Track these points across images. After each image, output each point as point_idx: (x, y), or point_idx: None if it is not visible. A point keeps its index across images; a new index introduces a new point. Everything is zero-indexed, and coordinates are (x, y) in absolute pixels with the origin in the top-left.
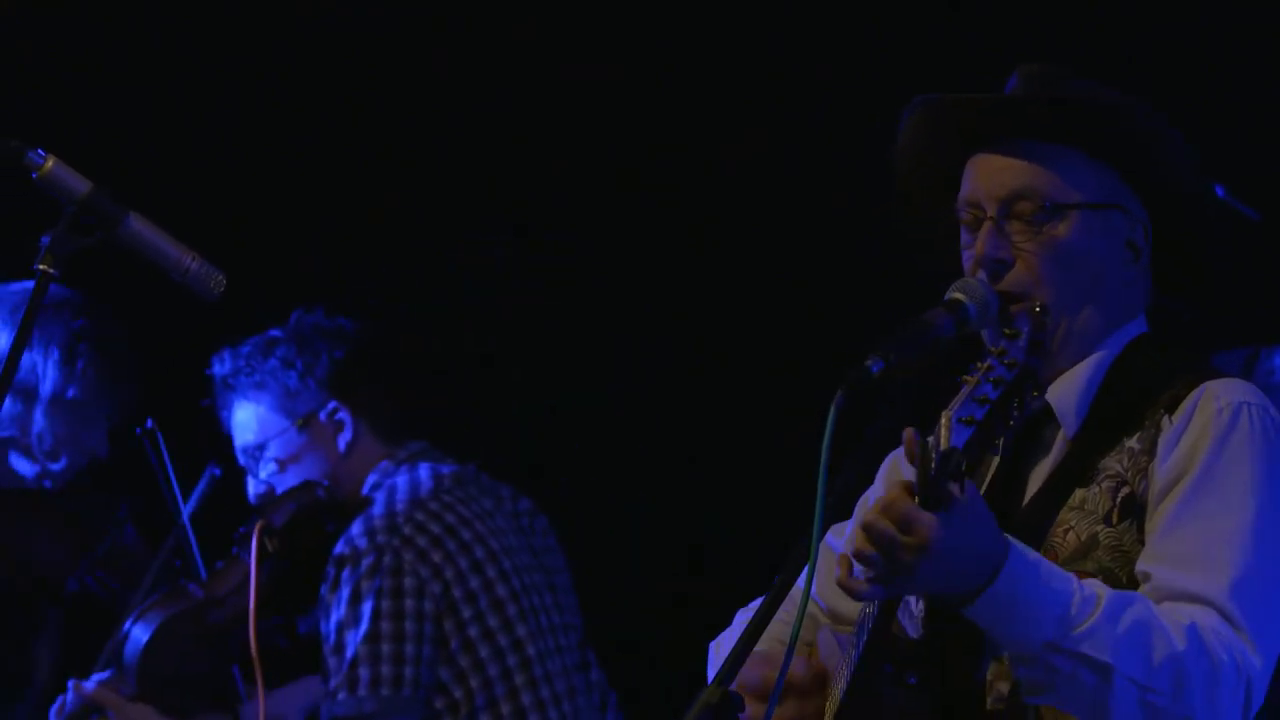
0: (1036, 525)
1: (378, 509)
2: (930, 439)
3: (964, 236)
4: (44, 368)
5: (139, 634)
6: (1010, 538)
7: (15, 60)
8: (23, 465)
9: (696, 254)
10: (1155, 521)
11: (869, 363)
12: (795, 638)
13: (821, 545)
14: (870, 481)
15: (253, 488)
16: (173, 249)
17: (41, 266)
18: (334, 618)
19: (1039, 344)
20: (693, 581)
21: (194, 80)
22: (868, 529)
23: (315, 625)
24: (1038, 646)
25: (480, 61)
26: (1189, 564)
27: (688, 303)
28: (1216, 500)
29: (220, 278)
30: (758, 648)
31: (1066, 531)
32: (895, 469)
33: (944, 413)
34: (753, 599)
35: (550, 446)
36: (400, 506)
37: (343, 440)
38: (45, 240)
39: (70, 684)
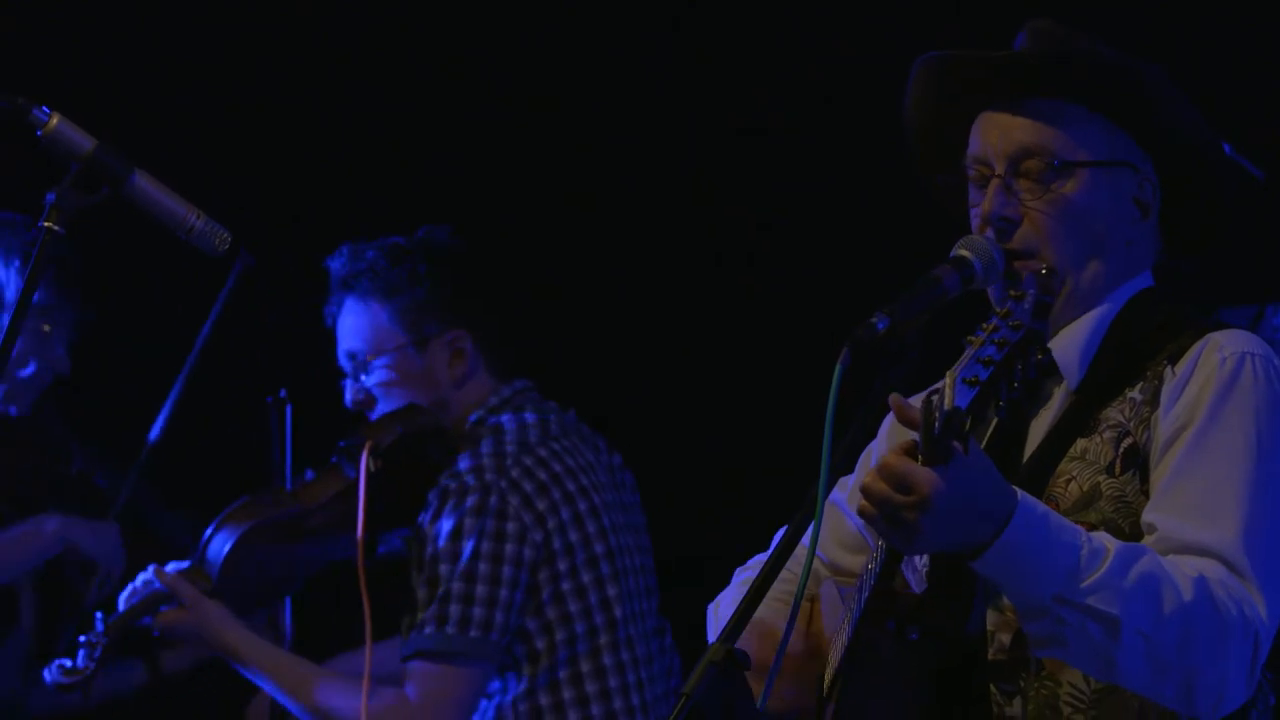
0: (1039, 476)
1: (486, 447)
2: (934, 399)
3: (972, 194)
4: (5, 276)
5: (227, 534)
6: (1019, 490)
7: (21, 17)
8: None
9: (711, 214)
10: (1160, 472)
11: (874, 320)
12: (799, 600)
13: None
14: (874, 437)
15: (351, 393)
16: (178, 206)
17: (47, 223)
18: (430, 550)
19: (1045, 306)
20: (697, 539)
21: (214, 36)
22: (866, 491)
23: (392, 550)
24: (1046, 599)
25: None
26: (1195, 515)
27: (702, 262)
28: (1221, 450)
29: (225, 235)
30: (758, 611)
31: (1068, 482)
32: (897, 425)
33: (948, 373)
34: (753, 556)
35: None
36: (509, 448)
37: (458, 369)
38: (50, 197)
39: (151, 569)
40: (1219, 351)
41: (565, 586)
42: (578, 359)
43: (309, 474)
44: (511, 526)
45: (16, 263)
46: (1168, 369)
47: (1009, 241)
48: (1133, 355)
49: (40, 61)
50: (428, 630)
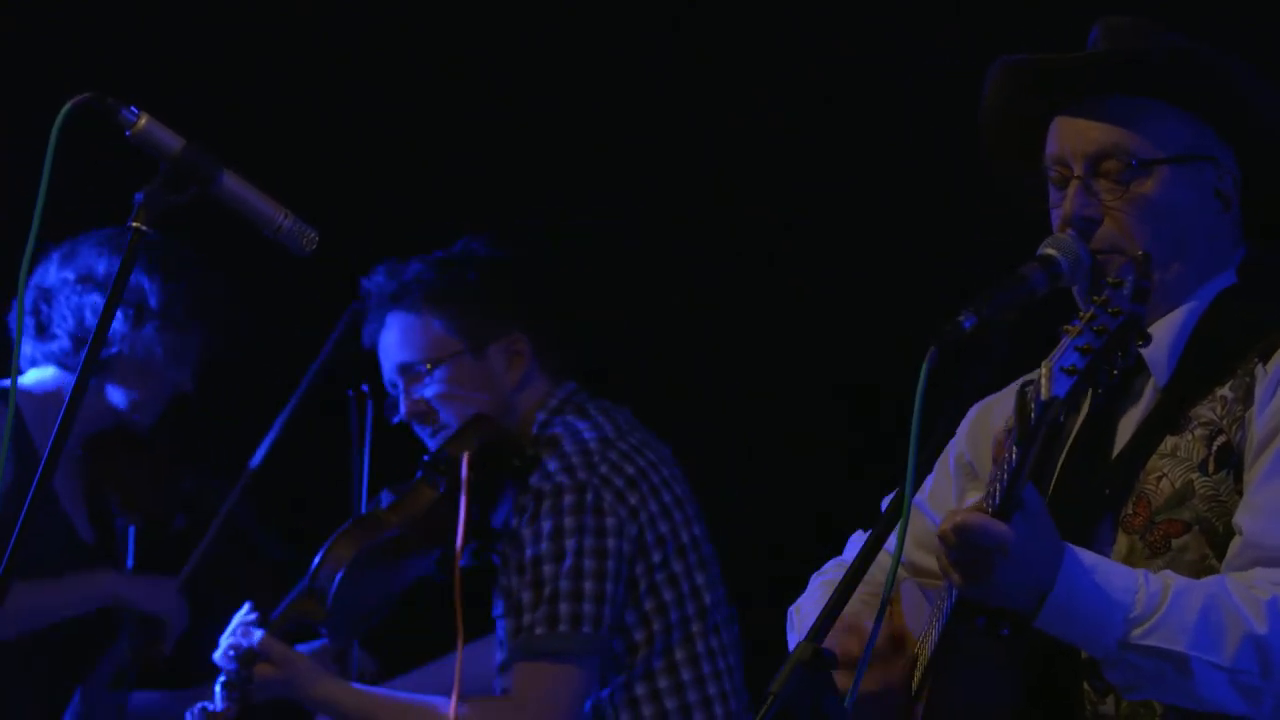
0: (1129, 472)
1: (569, 446)
2: (1029, 389)
3: (1052, 195)
4: (150, 284)
5: (337, 561)
6: (1068, 545)
7: (111, 18)
8: (117, 395)
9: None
10: (1252, 473)
11: (961, 318)
12: (886, 600)
13: None
14: (953, 436)
15: (408, 405)
16: (266, 206)
17: (135, 223)
18: (531, 551)
19: (1144, 291)
20: (783, 538)
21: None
22: (944, 539)
23: (475, 558)
24: (1114, 648)
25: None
26: None
27: (773, 257)
28: None
29: (312, 235)
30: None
31: (1160, 478)
32: (980, 420)
33: (1044, 362)
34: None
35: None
36: (592, 445)
37: (517, 373)
38: (139, 197)
39: (239, 626)
40: None
41: (659, 577)
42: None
43: (386, 496)
44: (610, 522)
45: (160, 277)
46: (1259, 367)
47: (1092, 242)
48: (1222, 353)
49: (130, 60)
50: (539, 631)
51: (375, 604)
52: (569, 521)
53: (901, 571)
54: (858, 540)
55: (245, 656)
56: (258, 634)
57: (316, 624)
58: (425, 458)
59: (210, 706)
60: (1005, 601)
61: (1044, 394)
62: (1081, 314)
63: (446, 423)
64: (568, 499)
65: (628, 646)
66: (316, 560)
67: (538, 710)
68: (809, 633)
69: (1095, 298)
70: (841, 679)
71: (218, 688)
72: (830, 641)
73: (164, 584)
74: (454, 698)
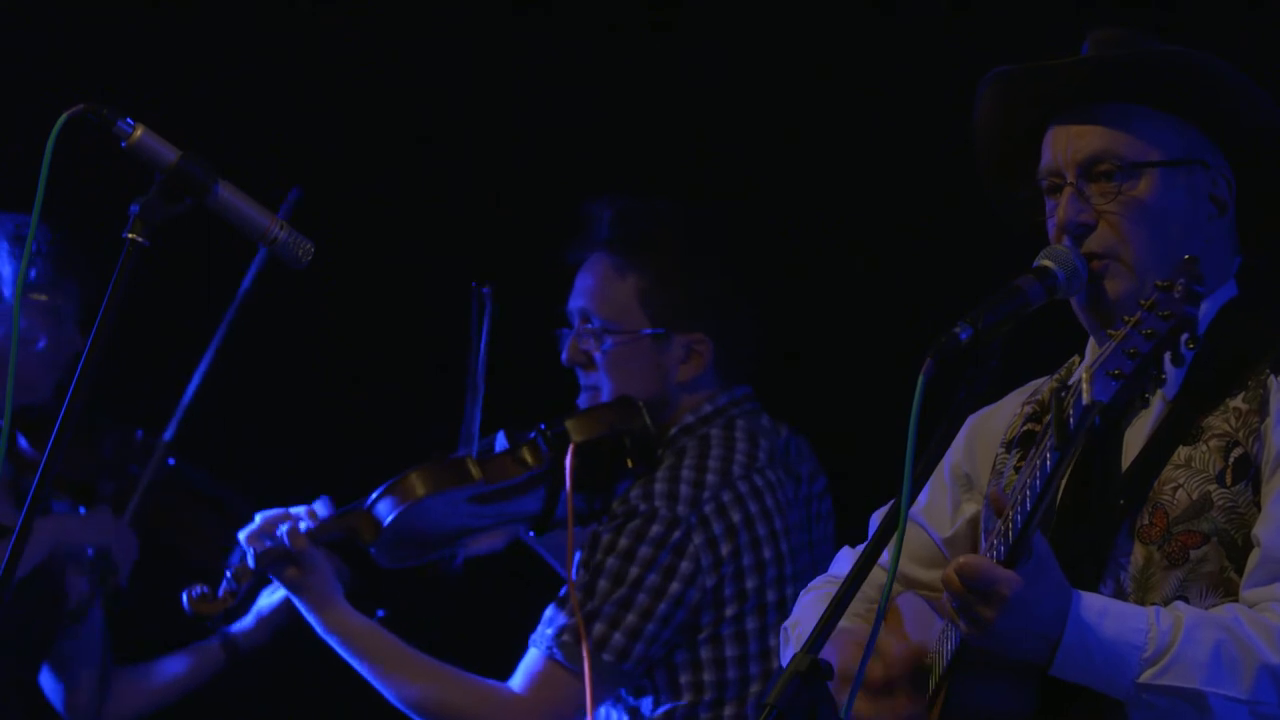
0: (1142, 483)
1: (687, 472)
2: (1064, 394)
3: (1047, 205)
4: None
5: (404, 494)
6: (1075, 591)
7: (105, 28)
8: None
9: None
10: (1271, 485)
11: (958, 330)
12: (882, 612)
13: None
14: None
15: (570, 351)
16: (261, 217)
17: (131, 235)
18: (598, 559)
19: (1195, 294)
20: None
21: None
22: (947, 584)
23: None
24: (1131, 688)
25: None
26: None
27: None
28: None
29: (309, 246)
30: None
31: (1175, 489)
32: (977, 430)
33: (1084, 368)
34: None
35: None
36: (710, 477)
37: (689, 371)
38: (135, 208)
39: (285, 525)
40: None
41: (726, 631)
42: None
43: (501, 439)
44: (686, 566)
45: (5, 245)
46: (1272, 379)
47: (1086, 245)
48: (1231, 365)
49: (125, 72)
50: (565, 638)
51: (434, 540)
52: (644, 551)
53: (897, 585)
54: (845, 556)
55: (276, 553)
56: (300, 536)
57: (361, 544)
58: (542, 425)
59: (204, 591)
60: (1014, 650)
61: (1085, 398)
62: (1126, 319)
63: (599, 385)
64: (655, 529)
65: (670, 683)
66: (384, 486)
67: (532, 709)
68: (805, 644)
69: (1143, 301)
70: (842, 693)
71: (227, 574)
72: (829, 653)
73: (98, 517)
74: (587, 680)
